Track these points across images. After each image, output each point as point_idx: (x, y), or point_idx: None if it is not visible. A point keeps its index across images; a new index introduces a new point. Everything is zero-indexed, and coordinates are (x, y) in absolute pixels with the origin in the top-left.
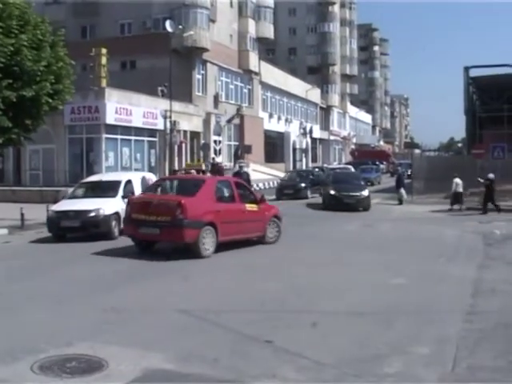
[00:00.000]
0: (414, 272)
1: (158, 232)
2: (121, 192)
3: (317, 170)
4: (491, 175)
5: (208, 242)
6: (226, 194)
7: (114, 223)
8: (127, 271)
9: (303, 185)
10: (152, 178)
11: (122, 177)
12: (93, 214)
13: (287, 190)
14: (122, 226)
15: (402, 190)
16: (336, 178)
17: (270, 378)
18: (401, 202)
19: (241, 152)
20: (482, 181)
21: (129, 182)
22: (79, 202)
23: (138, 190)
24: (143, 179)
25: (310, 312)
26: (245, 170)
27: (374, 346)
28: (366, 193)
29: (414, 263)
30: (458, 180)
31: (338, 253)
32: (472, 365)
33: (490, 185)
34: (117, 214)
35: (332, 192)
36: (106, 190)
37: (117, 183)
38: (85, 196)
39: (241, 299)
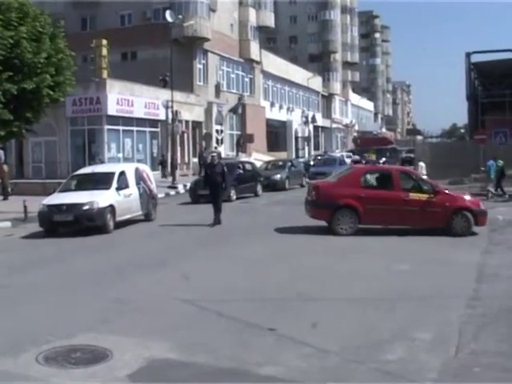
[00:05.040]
0: (417, 258)
1: (308, 209)
2: (115, 184)
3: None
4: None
5: (344, 223)
6: (381, 181)
7: (108, 216)
8: (129, 263)
9: None
10: (145, 169)
11: (115, 168)
12: (87, 207)
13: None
14: (116, 218)
15: None
16: None
17: (274, 366)
18: None
19: (243, 141)
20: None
21: (122, 174)
22: (72, 195)
23: (131, 182)
24: (137, 170)
25: (314, 299)
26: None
27: (378, 333)
28: None
29: (418, 249)
30: (422, 163)
31: (338, 240)
32: (475, 350)
33: None
34: (111, 206)
35: None
36: (100, 182)
37: (110, 175)
38: (77, 189)
39: (244, 288)
